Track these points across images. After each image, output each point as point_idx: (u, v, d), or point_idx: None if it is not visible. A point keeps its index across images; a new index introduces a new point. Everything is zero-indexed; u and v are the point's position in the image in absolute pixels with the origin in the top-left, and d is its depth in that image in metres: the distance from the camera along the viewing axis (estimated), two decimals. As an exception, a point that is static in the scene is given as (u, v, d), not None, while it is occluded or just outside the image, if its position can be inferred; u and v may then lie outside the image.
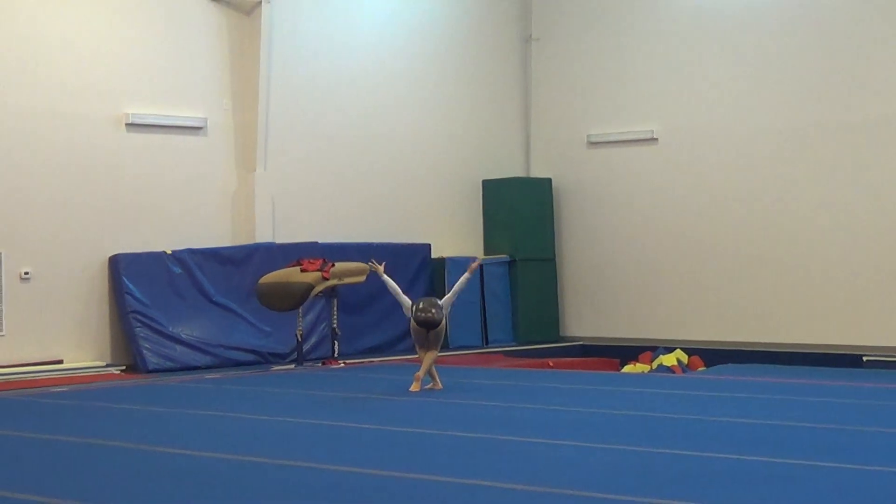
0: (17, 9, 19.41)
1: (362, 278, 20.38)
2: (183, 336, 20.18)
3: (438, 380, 16.01)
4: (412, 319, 15.70)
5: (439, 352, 16.14)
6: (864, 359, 20.79)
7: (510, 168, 25.65)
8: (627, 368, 22.26)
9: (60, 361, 19.14)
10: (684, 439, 11.47)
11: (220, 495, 9.24)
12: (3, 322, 17.59)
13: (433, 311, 15.60)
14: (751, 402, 14.66)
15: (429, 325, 15.54)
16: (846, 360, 20.95)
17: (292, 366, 20.06)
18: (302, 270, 19.70)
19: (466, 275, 16.51)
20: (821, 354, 21.63)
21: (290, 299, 19.57)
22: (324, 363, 20.22)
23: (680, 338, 23.62)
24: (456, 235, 24.33)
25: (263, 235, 21.71)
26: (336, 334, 20.35)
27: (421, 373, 15.81)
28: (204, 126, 21.37)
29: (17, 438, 12.28)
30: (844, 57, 22.44)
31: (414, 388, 15.74)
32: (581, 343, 24.86)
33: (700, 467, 9.99)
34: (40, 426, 13.09)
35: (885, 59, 22.05)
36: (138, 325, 19.84)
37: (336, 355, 20.29)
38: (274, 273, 19.95)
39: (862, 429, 12.09)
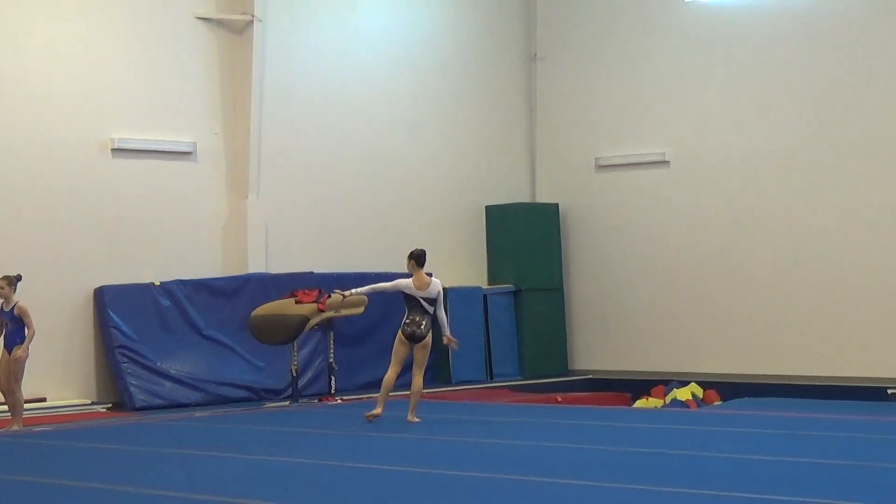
0: (4, 33, 19.48)
1: (360, 310, 20.38)
2: (172, 372, 20.17)
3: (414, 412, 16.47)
4: (400, 330, 16.25)
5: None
6: (889, 391, 20.76)
7: (515, 193, 25.68)
8: (640, 403, 22.22)
9: (44, 399, 19.14)
10: (700, 479, 11.41)
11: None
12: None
13: (422, 326, 16.17)
14: (770, 438, 14.60)
15: (413, 340, 16.17)
16: (869, 394, 20.90)
17: (287, 402, 20.05)
18: (297, 302, 19.73)
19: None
20: (843, 387, 21.59)
21: (285, 332, 19.58)
22: (320, 399, 20.18)
23: (695, 370, 23.60)
24: (458, 264, 24.29)
25: (256, 265, 21.72)
26: (333, 369, 20.31)
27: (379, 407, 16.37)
28: (193, 151, 21.42)
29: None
30: (857, 78, 22.49)
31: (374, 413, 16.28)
32: (591, 377, 24.82)
33: (717, 508, 9.93)
34: (22, 467, 13.03)
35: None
36: (125, 360, 19.85)
37: (333, 391, 20.25)
38: (267, 305, 19.97)
39: (887, 466, 12.03)
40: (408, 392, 16.69)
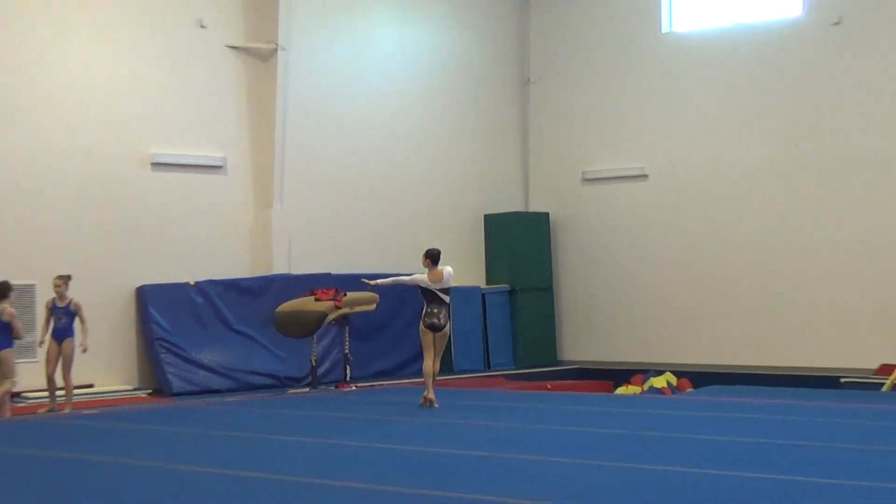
0: (56, 59, 19.57)
1: (373, 307, 20.39)
2: (205, 361, 20.21)
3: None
4: (420, 322, 16.34)
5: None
6: (842, 380, 20.78)
7: (510, 203, 25.70)
8: (620, 390, 22.21)
9: (91, 385, 19.19)
10: (673, 457, 11.43)
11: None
12: (38, 349, 17.62)
13: (440, 317, 16.21)
14: (737, 421, 14.63)
15: (434, 329, 16.22)
16: (825, 382, 20.92)
17: (307, 389, 20.03)
18: (316, 300, 19.71)
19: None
20: (802, 376, 21.61)
21: (305, 327, 19.58)
22: (336, 386, 20.17)
23: (670, 361, 23.63)
24: (460, 266, 24.14)
25: (280, 267, 21.76)
26: (348, 359, 20.32)
27: (429, 391, 16.29)
28: (224, 165, 21.44)
29: (49, 459, 12.27)
30: (822, 98, 22.56)
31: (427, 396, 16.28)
32: (577, 367, 24.82)
33: (688, 483, 9.98)
34: (72, 447, 13.06)
35: (860, 100, 22.15)
36: (163, 351, 19.90)
37: (348, 379, 20.24)
38: (290, 302, 19.96)
39: (841, 446, 12.08)
40: (419, 379, 16.67)
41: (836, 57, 22.50)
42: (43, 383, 17.28)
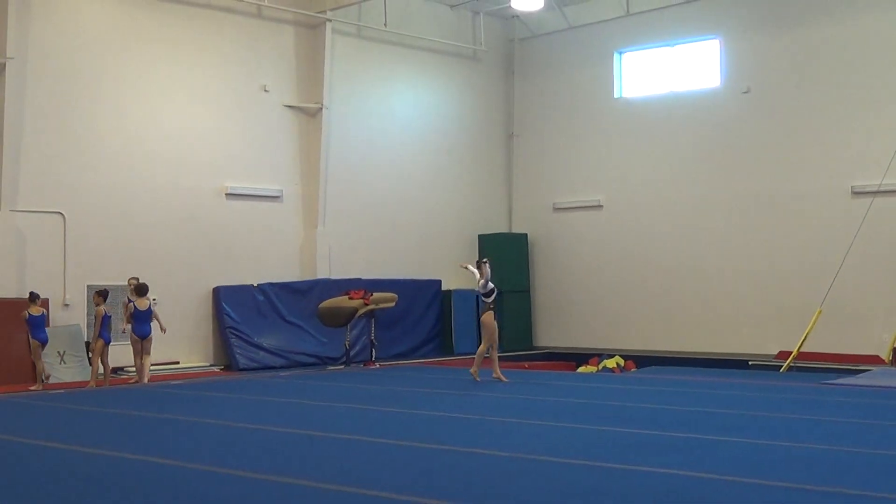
0: (159, 116, 19.58)
1: (392, 304, 20.36)
2: (265, 345, 20.12)
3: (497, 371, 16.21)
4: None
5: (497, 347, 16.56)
6: (749, 363, 20.67)
7: (498, 226, 25.63)
8: (581, 369, 22.13)
9: (177, 362, 19.11)
10: (621, 420, 11.37)
11: (288, 458, 9.15)
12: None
13: (481, 311, 16.12)
14: (671, 394, 14.55)
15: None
16: (737, 364, 20.81)
17: (342, 367, 19.96)
18: (350, 298, 19.70)
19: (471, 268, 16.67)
20: (719, 360, 21.49)
21: (341, 319, 19.55)
22: (364, 365, 20.09)
23: (619, 347, 23.52)
24: (459, 275, 24.18)
25: (322, 273, 21.67)
26: (374, 344, 20.24)
27: (475, 368, 16.20)
28: (281, 195, 21.37)
29: (144, 417, 12.24)
30: (736, 150, 22.45)
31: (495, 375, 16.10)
32: (548, 351, 24.73)
33: (633, 441, 9.89)
34: (161, 408, 13.04)
35: (765, 152, 22.03)
36: (233, 336, 19.81)
37: (373, 359, 20.17)
38: (329, 300, 19.96)
39: (751, 413, 11.99)
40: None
41: (745, 117, 22.39)
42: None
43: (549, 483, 7.88)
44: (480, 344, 16.38)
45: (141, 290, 16.69)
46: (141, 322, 16.56)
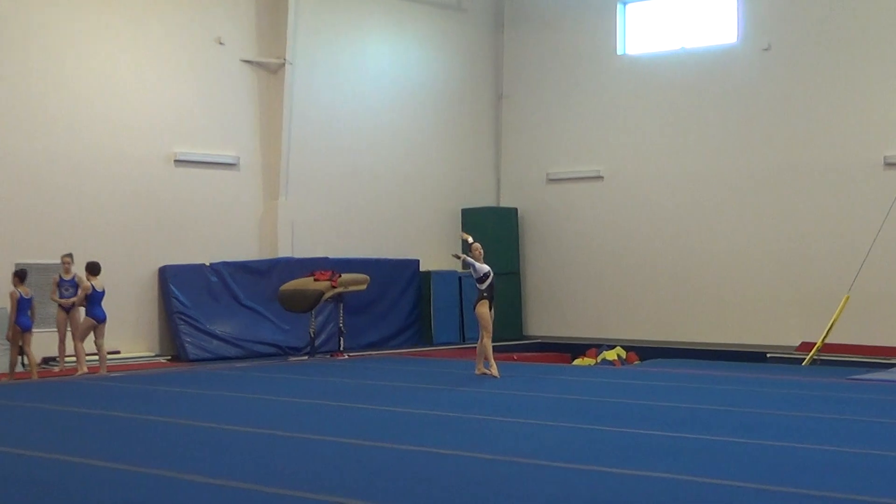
0: (98, 74, 19.41)
1: (363, 287, 20.34)
2: (217, 332, 20.06)
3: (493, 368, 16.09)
4: None
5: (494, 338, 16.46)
6: (768, 355, 20.74)
7: (484, 199, 25.59)
8: (577, 362, 22.18)
9: (118, 352, 19.02)
10: (622, 419, 11.39)
11: (243, 461, 9.13)
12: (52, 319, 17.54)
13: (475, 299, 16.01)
14: (676, 389, 14.59)
15: None
16: (753, 356, 20.89)
17: (306, 357, 19.95)
18: (315, 280, 19.65)
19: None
20: (733, 352, 21.58)
21: (305, 303, 19.49)
22: (331, 355, 20.07)
23: (620, 337, 23.56)
24: (440, 253, 24.21)
25: (284, 251, 21.61)
26: (342, 332, 20.21)
27: (481, 365, 16.15)
28: (237, 163, 21.29)
29: (80, 414, 12.21)
30: (752, 115, 22.47)
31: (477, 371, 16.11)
32: (540, 341, 24.75)
33: (635, 442, 9.90)
34: (100, 404, 12.98)
35: (786, 117, 22.06)
36: (182, 323, 19.74)
37: (342, 349, 20.14)
38: (292, 282, 19.88)
39: (768, 412, 12.02)
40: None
41: (765, 79, 22.40)
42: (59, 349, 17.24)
43: (540, 490, 7.88)
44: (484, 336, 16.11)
45: (94, 268, 16.83)
46: (96, 304, 16.66)
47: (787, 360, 20.06)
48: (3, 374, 16.50)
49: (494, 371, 15.90)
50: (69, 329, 16.88)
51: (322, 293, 19.48)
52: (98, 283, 16.77)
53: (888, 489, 7.81)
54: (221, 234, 20.97)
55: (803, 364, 19.28)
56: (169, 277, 19.91)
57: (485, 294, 15.81)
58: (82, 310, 16.88)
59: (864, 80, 21.28)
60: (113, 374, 16.63)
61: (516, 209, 25.46)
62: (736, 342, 22.22)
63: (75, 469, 8.75)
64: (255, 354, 20.12)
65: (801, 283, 21.80)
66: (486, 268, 15.87)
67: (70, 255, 17.01)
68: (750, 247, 22.50)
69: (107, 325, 16.91)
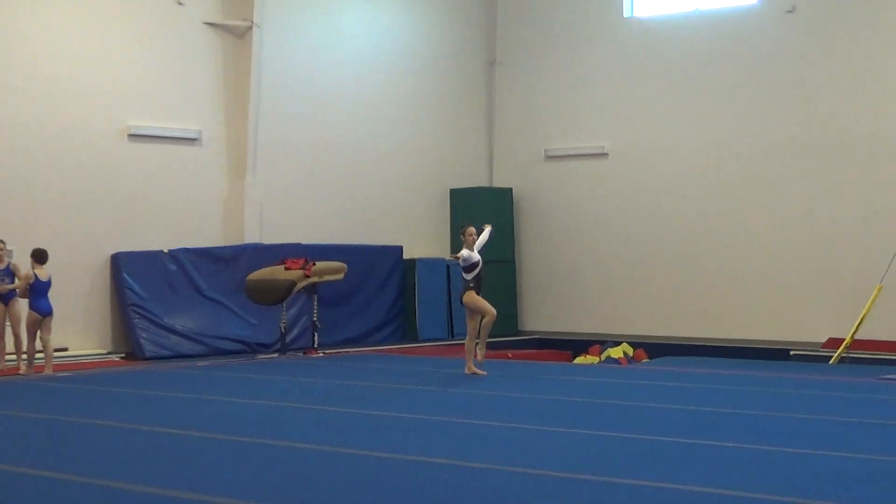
0: (35, 33, 19.33)
1: (340, 276, 20.35)
2: (177, 327, 20.06)
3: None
4: None
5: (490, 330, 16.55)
6: (791, 353, 20.80)
7: (475, 178, 25.62)
8: (579, 360, 22.23)
9: (66, 349, 18.99)
10: (629, 423, 11.39)
11: (203, 472, 9.09)
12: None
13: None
14: (689, 391, 14.61)
15: None
16: (775, 354, 20.95)
17: (276, 355, 19.96)
18: (286, 268, 19.67)
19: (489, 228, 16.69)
20: (752, 349, 21.65)
21: (275, 294, 19.51)
22: (305, 353, 20.11)
23: (626, 332, 23.65)
24: (425, 239, 24.24)
25: (251, 236, 21.63)
26: (316, 326, 20.24)
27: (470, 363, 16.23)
28: (199, 137, 21.28)
29: (24, 418, 12.16)
30: (775, 84, 22.50)
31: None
32: (537, 336, 24.83)
33: (643, 449, 9.89)
34: (46, 407, 12.92)
35: (812, 86, 22.08)
36: (137, 316, 19.72)
37: (316, 346, 20.18)
38: (260, 271, 19.89)
39: (791, 415, 12.02)
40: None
41: (789, 44, 22.44)
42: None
43: (538, 503, 7.86)
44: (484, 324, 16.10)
45: (41, 256, 16.84)
46: (41, 296, 16.67)
47: (812, 358, 20.12)
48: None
49: (480, 354, 16.09)
50: (8, 323, 16.84)
51: (294, 283, 19.48)
52: (43, 272, 16.72)
53: (926, 502, 7.80)
54: (181, 218, 20.94)
55: (830, 362, 19.34)
56: (122, 266, 19.87)
57: (471, 284, 15.78)
58: (24, 302, 16.83)
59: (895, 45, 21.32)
60: (60, 374, 16.59)
61: (511, 189, 25.48)
62: (755, 338, 22.29)
63: (9, 479, 8.70)
64: (219, 352, 20.10)
65: (829, 272, 21.85)
66: (476, 256, 15.83)
67: (2, 242, 16.92)
68: (771, 231, 22.54)
69: (53, 320, 16.87)
